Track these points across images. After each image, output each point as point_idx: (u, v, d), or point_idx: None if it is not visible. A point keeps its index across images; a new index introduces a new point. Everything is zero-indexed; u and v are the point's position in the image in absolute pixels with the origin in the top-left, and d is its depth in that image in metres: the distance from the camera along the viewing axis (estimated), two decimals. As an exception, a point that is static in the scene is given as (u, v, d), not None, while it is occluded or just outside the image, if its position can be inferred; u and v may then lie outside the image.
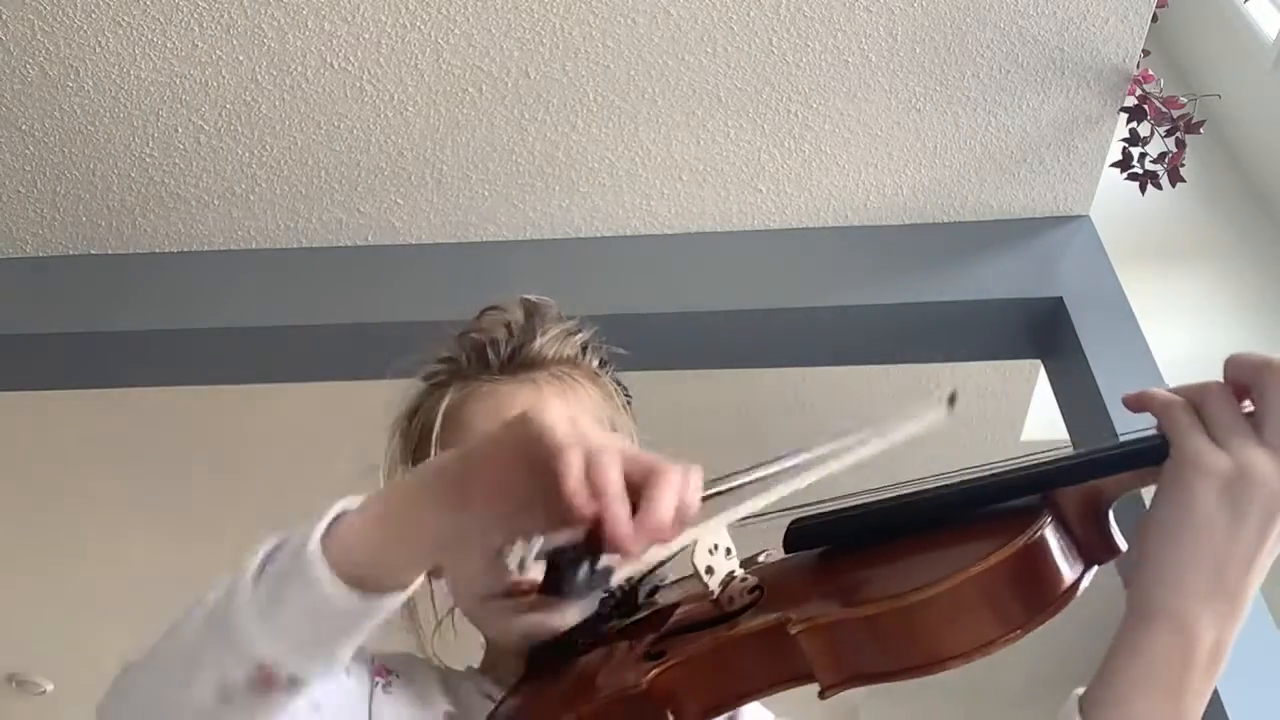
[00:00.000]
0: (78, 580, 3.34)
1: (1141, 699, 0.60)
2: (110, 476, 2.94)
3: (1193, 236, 2.55)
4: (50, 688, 3.90)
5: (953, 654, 0.58)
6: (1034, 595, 0.59)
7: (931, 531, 0.66)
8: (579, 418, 0.56)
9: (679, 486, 0.54)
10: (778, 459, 0.68)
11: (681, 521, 0.54)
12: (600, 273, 2.08)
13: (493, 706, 0.79)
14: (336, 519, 0.60)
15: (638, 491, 0.54)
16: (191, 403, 2.64)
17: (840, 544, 0.70)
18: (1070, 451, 0.66)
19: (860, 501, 0.71)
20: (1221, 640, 0.60)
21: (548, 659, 0.79)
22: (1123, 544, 0.65)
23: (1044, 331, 2.03)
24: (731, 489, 0.67)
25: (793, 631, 0.61)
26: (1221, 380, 0.64)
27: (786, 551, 0.73)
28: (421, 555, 0.60)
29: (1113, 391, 1.85)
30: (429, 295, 2.05)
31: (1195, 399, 0.63)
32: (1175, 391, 0.65)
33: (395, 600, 0.59)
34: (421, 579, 0.89)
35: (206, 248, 2.16)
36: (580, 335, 0.94)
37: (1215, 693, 1.52)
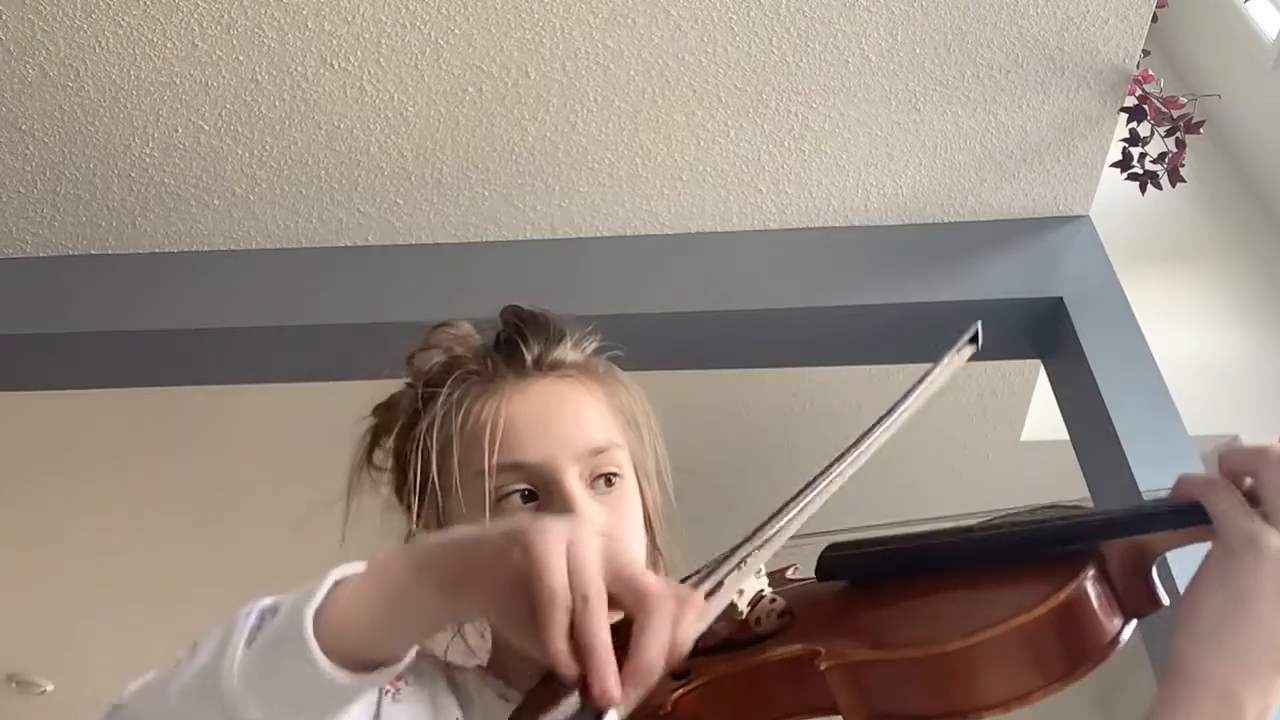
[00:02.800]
0: (78, 580, 3.34)
1: None
2: (111, 477, 2.94)
3: (1193, 236, 2.55)
4: (50, 688, 3.90)
5: (988, 704, 0.57)
6: (1075, 647, 0.58)
7: (971, 573, 0.64)
8: (583, 530, 0.55)
9: (669, 624, 0.52)
10: (821, 472, 0.68)
11: (674, 662, 0.53)
12: (600, 273, 2.08)
13: (512, 708, 0.79)
14: (334, 587, 0.59)
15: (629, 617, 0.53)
16: (192, 402, 2.64)
17: (874, 576, 0.69)
18: (1117, 506, 0.64)
19: (896, 534, 0.70)
20: (1267, 706, 0.60)
21: None
22: (1164, 598, 0.64)
23: (1044, 331, 2.03)
24: (773, 524, 0.65)
25: (821, 667, 0.60)
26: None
27: (819, 578, 0.71)
28: (417, 636, 0.61)
29: (1113, 391, 1.85)
30: (429, 295, 2.05)
31: (1257, 460, 0.63)
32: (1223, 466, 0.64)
33: (390, 673, 0.60)
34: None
35: (206, 248, 2.16)
36: (593, 340, 0.95)
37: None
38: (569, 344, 0.91)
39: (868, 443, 0.70)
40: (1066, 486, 1.97)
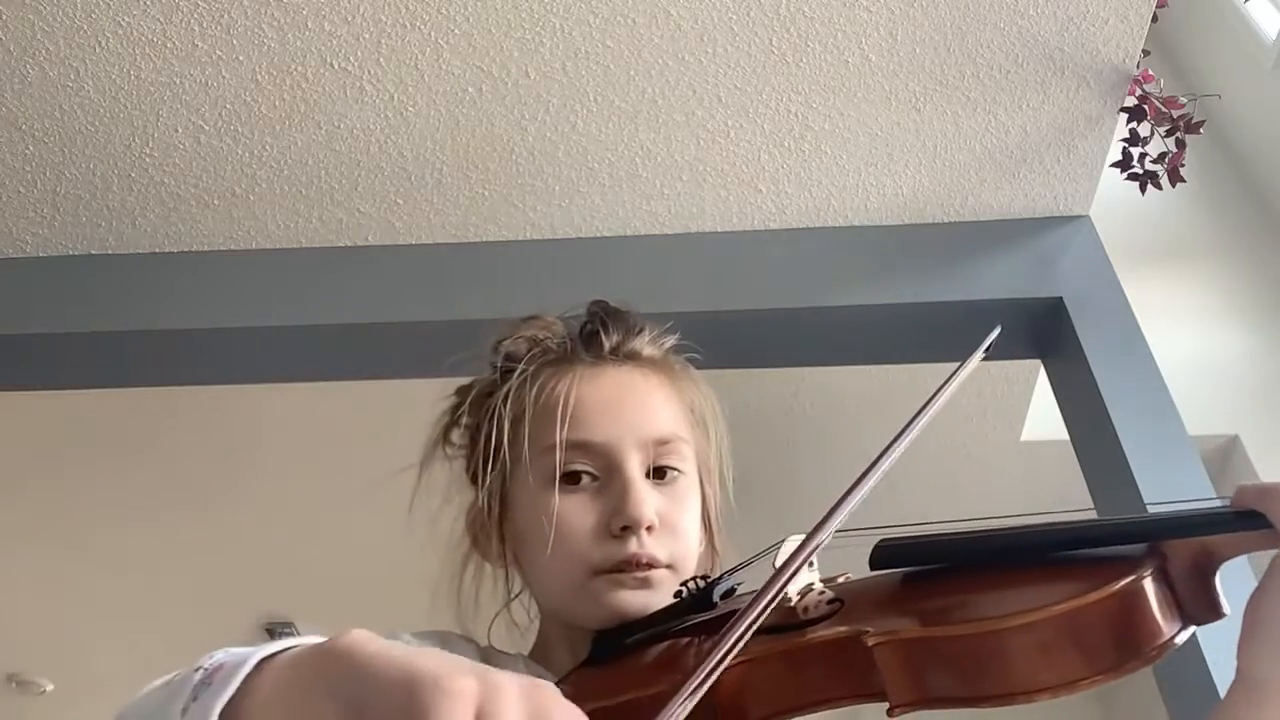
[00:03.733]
0: (78, 580, 3.34)
1: None
2: (111, 477, 2.94)
3: (1193, 236, 2.55)
4: (50, 688, 3.90)
5: (1035, 688, 0.56)
6: (1127, 641, 0.57)
7: (1029, 566, 0.64)
8: (503, 699, 0.45)
9: None
10: (865, 472, 0.67)
11: None
12: (600, 273, 2.08)
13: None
14: (261, 666, 0.57)
15: None
16: (192, 402, 2.64)
17: (929, 567, 0.69)
18: (1185, 508, 0.64)
19: (950, 532, 0.69)
20: None
21: (611, 647, 0.79)
22: (1226, 608, 0.63)
23: (1044, 331, 2.03)
24: (824, 522, 0.65)
25: (869, 644, 0.60)
26: None
27: (872, 568, 0.71)
28: None
29: (1113, 392, 1.85)
30: (429, 295, 2.05)
31: None
32: None
33: None
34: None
35: (206, 248, 2.16)
36: (670, 337, 0.98)
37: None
38: (646, 337, 0.94)
39: (895, 449, 0.69)
40: (1066, 486, 1.97)
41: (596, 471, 0.85)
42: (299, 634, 3.51)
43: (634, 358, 0.92)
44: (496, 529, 0.90)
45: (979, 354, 0.80)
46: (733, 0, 1.79)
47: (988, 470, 2.71)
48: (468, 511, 0.92)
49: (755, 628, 0.58)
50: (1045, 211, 2.09)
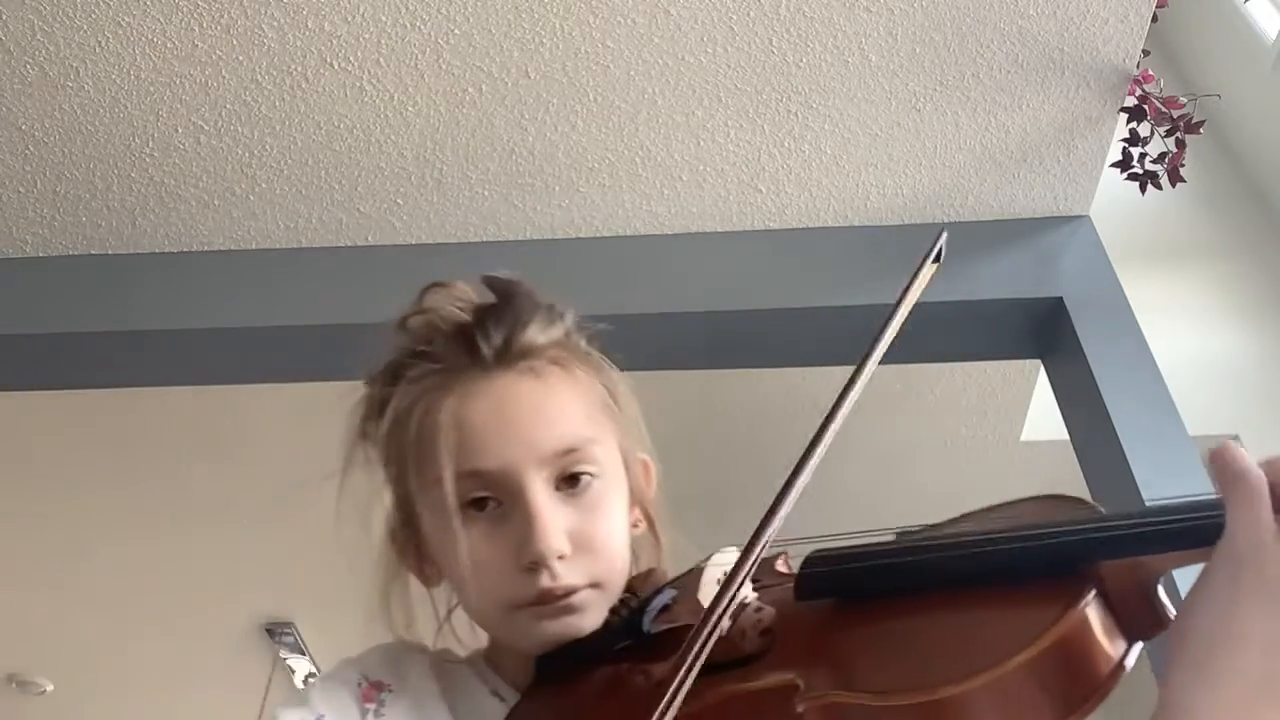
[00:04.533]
0: (78, 580, 3.34)
1: None
2: (110, 476, 2.94)
3: (1193, 236, 2.55)
4: (50, 688, 3.91)
5: None
6: (1078, 682, 0.53)
7: (962, 591, 0.59)
8: None
9: None
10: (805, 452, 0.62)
11: None
12: (600, 273, 2.08)
13: (504, 709, 0.77)
14: None
15: None
16: (191, 402, 2.64)
17: (857, 595, 0.64)
18: (1120, 513, 0.59)
19: (881, 545, 0.65)
20: None
21: (556, 669, 0.77)
22: (1172, 614, 0.58)
23: (1044, 331, 2.03)
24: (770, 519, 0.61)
25: (799, 709, 0.56)
26: None
27: (798, 599, 0.67)
28: None
29: (1113, 391, 1.85)
30: (429, 295, 2.05)
31: (1270, 473, 0.55)
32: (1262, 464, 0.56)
33: None
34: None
35: (206, 248, 2.16)
36: (567, 315, 0.88)
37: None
38: (535, 328, 0.83)
39: (848, 398, 0.65)
40: (1066, 487, 1.97)
41: (498, 497, 0.78)
42: (299, 634, 3.51)
43: (524, 356, 0.82)
44: (413, 548, 0.85)
45: (928, 263, 0.73)
46: (733, 0, 1.79)
47: (988, 470, 2.71)
48: (387, 522, 0.86)
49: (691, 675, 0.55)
50: (1045, 211, 2.09)
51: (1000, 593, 0.58)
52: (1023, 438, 2.62)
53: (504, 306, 0.85)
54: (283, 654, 3.69)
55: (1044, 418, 2.48)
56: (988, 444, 2.66)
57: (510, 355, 0.82)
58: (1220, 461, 0.57)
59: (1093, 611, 0.54)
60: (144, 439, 2.81)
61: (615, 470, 0.83)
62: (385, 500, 0.86)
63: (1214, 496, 0.57)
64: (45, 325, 2.10)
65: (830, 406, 0.66)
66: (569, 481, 0.79)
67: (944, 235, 0.73)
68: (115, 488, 2.97)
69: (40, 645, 3.71)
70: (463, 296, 0.87)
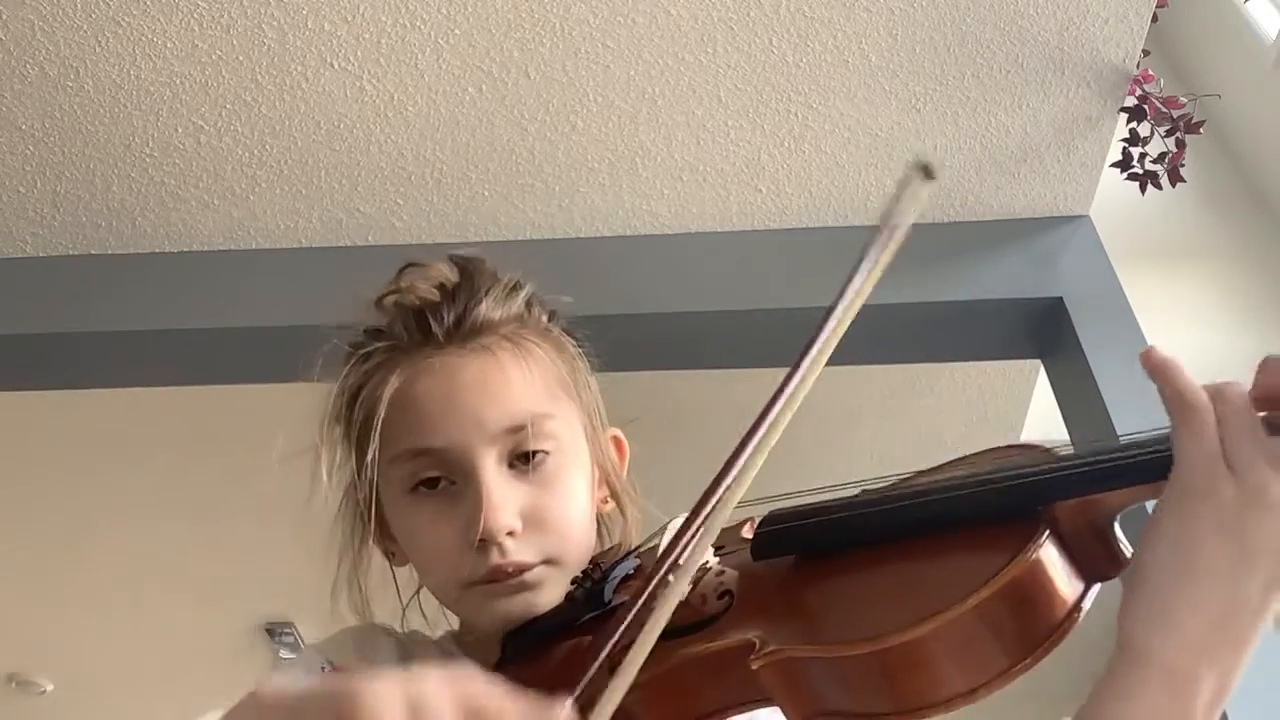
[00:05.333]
0: (78, 580, 3.34)
1: None
2: (111, 477, 2.94)
3: (1193, 236, 2.55)
4: (50, 688, 3.90)
5: (944, 697, 0.52)
6: (1032, 624, 0.53)
7: (917, 540, 0.59)
8: (422, 685, 0.45)
9: None
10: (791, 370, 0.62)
11: None
12: (600, 273, 2.08)
13: None
14: None
15: None
16: (192, 402, 2.64)
17: (812, 550, 0.64)
18: (1073, 454, 0.58)
19: (836, 500, 0.64)
20: (1223, 686, 0.54)
21: (521, 646, 0.76)
22: (1129, 553, 0.58)
23: (1044, 331, 2.03)
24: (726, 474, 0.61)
25: (754, 666, 0.56)
26: (1248, 384, 0.55)
27: (754, 557, 0.66)
28: None
29: (1113, 392, 1.85)
30: (429, 295, 2.05)
31: (1216, 402, 0.54)
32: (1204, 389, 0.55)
33: None
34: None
35: (206, 248, 2.16)
36: (525, 290, 0.88)
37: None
38: (487, 304, 0.83)
39: (827, 328, 0.65)
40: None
41: (450, 476, 0.78)
42: (299, 634, 3.50)
43: (477, 334, 0.81)
44: (378, 526, 0.84)
45: (917, 185, 0.69)
46: (733, 0, 1.79)
47: (988, 470, 2.70)
48: (351, 500, 0.86)
49: (633, 636, 0.55)
50: (1045, 211, 2.09)
51: (954, 540, 0.57)
52: (1023, 438, 2.62)
53: (461, 284, 0.85)
54: (283, 654, 3.69)
55: (1044, 418, 2.48)
56: (988, 444, 2.66)
57: (461, 333, 0.82)
58: (1168, 391, 0.56)
59: (1046, 552, 0.54)
60: (144, 439, 2.81)
61: (575, 447, 0.82)
62: (346, 479, 0.86)
63: (1163, 431, 0.56)
64: (45, 325, 2.10)
65: (795, 359, 0.67)
66: (522, 459, 0.79)
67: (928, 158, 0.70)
68: (115, 488, 2.97)
69: (40, 645, 3.71)
70: (436, 277, 0.87)
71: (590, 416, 0.86)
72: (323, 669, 0.78)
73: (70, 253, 2.17)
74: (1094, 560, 0.56)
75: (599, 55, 1.86)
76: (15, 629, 3.57)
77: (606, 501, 0.88)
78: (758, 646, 0.56)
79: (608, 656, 0.55)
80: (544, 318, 0.88)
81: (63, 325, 2.10)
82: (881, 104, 1.93)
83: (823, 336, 0.64)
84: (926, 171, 0.67)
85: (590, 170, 2.02)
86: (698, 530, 0.59)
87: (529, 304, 0.87)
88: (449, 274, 0.86)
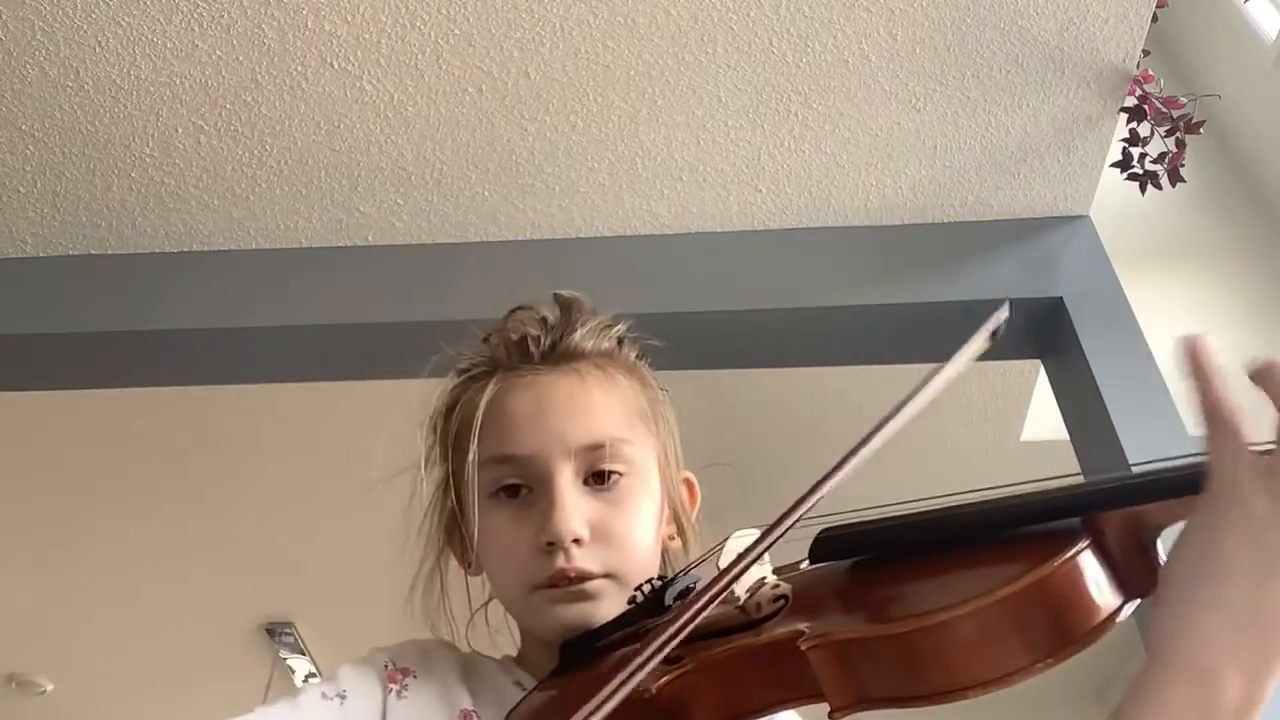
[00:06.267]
0: (78, 581, 3.34)
1: None
2: (111, 477, 2.94)
3: (1193, 236, 2.55)
4: (50, 688, 3.91)
5: (968, 684, 0.54)
6: (1064, 624, 0.55)
7: (963, 549, 0.62)
8: None
9: None
10: (834, 467, 0.64)
11: None
12: (600, 273, 2.08)
13: (523, 695, 0.79)
14: None
15: None
16: (192, 402, 2.64)
17: (868, 557, 0.67)
18: (1122, 473, 0.60)
19: (892, 515, 0.67)
20: (1253, 696, 0.54)
21: (578, 655, 0.79)
22: None
23: (1044, 331, 2.03)
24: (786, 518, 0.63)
25: (803, 647, 0.59)
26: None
27: (812, 562, 0.70)
28: None
29: (1113, 391, 1.85)
30: (429, 295, 2.05)
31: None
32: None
33: None
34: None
35: (206, 248, 2.16)
36: (617, 328, 0.94)
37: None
38: (581, 334, 0.90)
39: (877, 436, 0.67)
40: (1066, 486, 1.97)
41: (529, 484, 0.83)
42: (299, 634, 3.50)
43: (569, 359, 0.88)
44: (459, 534, 0.89)
45: (983, 336, 0.75)
46: (733, 0, 1.79)
47: (988, 470, 2.70)
48: (441, 514, 0.91)
49: (689, 630, 0.58)
50: (1045, 211, 2.09)
51: (999, 546, 0.60)
52: (1023, 438, 2.62)
53: (561, 316, 0.92)
54: (283, 654, 3.69)
55: (1044, 418, 2.48)
56: (988, 444, 2.66)
57: (555, 356, 0.89)
58: (1205, 402, 0.60)
59: (1085, 559, 0.56)
60: (144, 439, 2.81)
61: (647, 475, 0.87)
62: (433, 488, 0.92)
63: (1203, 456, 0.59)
64: (45, 325, 2.10)
65: (879, 422, 0.68)
66: (598, 477, 0.84)
67: (1005, 311, 0.76)
68: (115, 488, 2.97)
69: (40, 645, 3.71)
70: (540, 312, 0.93)
71: (666, 452, 0.91)
72: (386, 667, 0.82)
73: (70, 253, 2.17)
74: (1135, 575, 0.58)
75: (599, 55, 1.86)
76: (15, 629, 3.57)
77: (673, 538, 0.92)
78: (807, 633, 0.59)
79: (657, 653, 0.58)
80: (632, 355, 0.95)
81: (63, 325, 2.10)
82: (881, 104, 1.93)
83: (888, 427, 0.67)
84: (994, 336, 0.75)
85: (590, 170, 2.02)
86: (769, 545, 0.63)
87: (620, 341, 0.94)
88: (550, 310, 0.93)
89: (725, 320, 2.06)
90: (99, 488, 2.97)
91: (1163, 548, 0.60)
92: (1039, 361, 2.16)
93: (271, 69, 1.88)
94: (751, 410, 2.60)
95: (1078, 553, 0.56)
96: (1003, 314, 0.75)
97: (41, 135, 1.97)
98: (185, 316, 2.10)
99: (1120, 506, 0.59)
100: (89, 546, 3.20)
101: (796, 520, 0.63)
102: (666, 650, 0.58)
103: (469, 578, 0.91)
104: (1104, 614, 0.56)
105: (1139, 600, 0.58)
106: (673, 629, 0.58)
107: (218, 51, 1.85)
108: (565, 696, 0.74)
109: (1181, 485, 0.58)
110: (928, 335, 2.05)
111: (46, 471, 2.93)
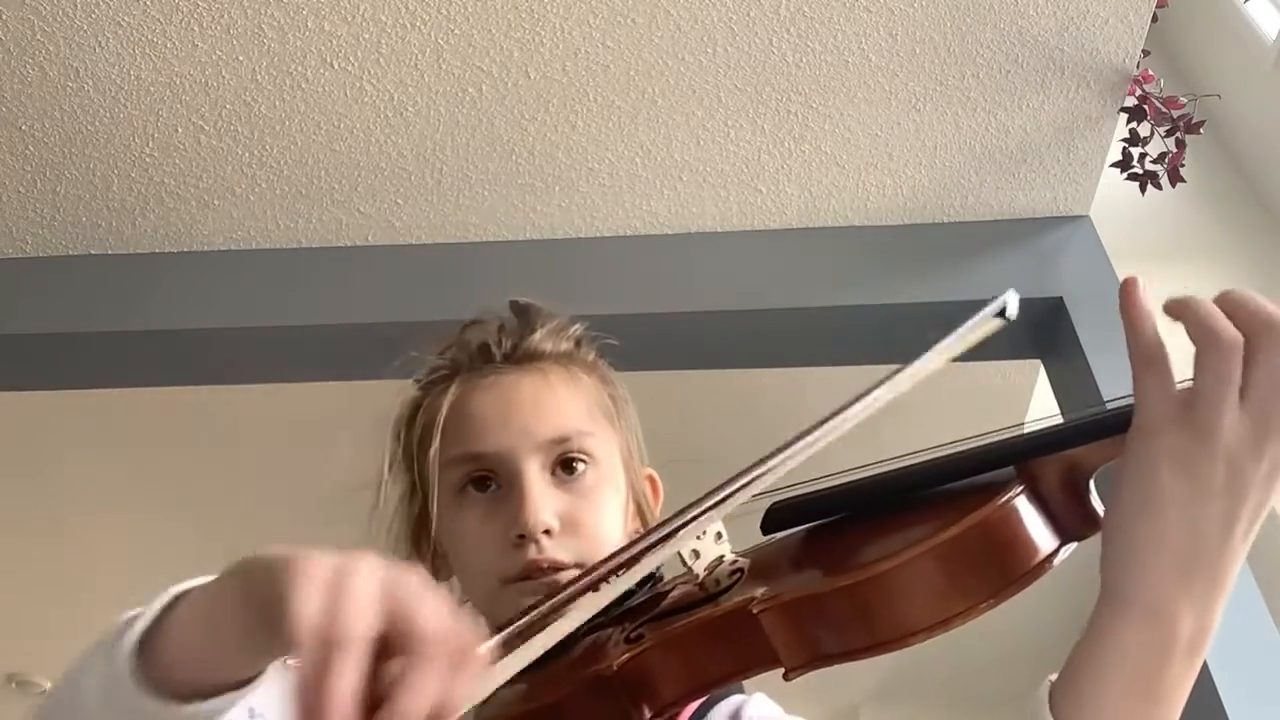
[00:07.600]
0: (78, 580, 3.34)
1: (1115, 692, 0.56)
2: (111, 477, 2.94)
3: (1192, 236, 2.55)
4: (50, 688, 3.91)
5: (915, 628, 0.56)
6: (997, 569, 0.57)
7: (909, 507, 0.64)
8: (357, 564, 0.48)
9: (438, 679, 0.45)
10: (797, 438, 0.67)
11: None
12: (600, 273, 2.08)
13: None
14: (173, 603, 0.60)
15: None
16: (192, 402, 2.64)
17: (819, 524, 0.70)
18: (1051, 421, 0.64)
19: (838, 482, 0.70)
20: (1203, 626, 0.56)
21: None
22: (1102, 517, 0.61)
23: (1044, 331, 2.03)
24: (740, 485, 0.66)
25: (755, 611, 0.60)
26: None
27: (764, 534, 0.72)
28: (245, 659, 0.57)
29: (1113, 391, 1.85)
30: (429, 295, 2.05)
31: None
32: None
33: (244, 693, 0.57)
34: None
35: (206, 248, 2.16)
36: (575, 329, 0.95)
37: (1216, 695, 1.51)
38: (540, 335, 0.91)
39: (846, 413, 0.70)
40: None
41: (498, 480, 0.85)
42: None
43: (531, 358, 0.90)
44: (426, 539, 0.90)
45: (988, 314, 0.78)
46: (733, 0, 1.79)
47: (988, 470, 2.71)
48: (407, 522, 0.92)
49: (627, 595, 0.61)
50: (1045, 211, 2.09)
51: (939, 499, 0.62)
52: (1023, 438, 2.62)
53: (519, 321, 0.93)
54: (283, 654, 3.68)
55: (1044, 418, 2.48)
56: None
57: (517, 356, 0.90)
58: (1134, 341, 0.63)
59: (1020, 503, 0.58)
60: (144, 439, 2.81)
61: (612, 468, 0.89)
62: (399, 493, 0.93)
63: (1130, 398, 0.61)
64: (45, 325, 2.10)
65: (838, 408, 0.70)
66: (564, 468, 0.85)
67: (1010, 298, 0.78)
68: (115, 488, 2.97)
69: (40, 645, 3.71)
70: (496, 320, 0.95)
71: (629, 448, 0.93)
72: None
73: (70, 253, 2.17)
74: (1070, 517, 0.60)
75: (599, 55, 1.86)
76: (15, 629, 3.57)
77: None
78: (758, 598, 0.61)
79: (568, 600, 0.61)
80: (590, 355, 0.96)
81: (63, 325, 2.10)
82: (881, 104, 1.93)
83: (859, 404, 0.70)
84: (1003, 314, 0.77)
85: (590, 170, 2.03)
86: (701, 511, 0.65)
87: (578, 341, 0.95)
88: (507, 316, 0.94)
89: (725, 320, 2.06)
90: (99, 487, 2.97)
91: (1096, 493, 0.62)
92: (1039, 361, 2.16)
93: (271, 69, 1.88)
94: (751, 410, 2.60)
95: (1011, 498, 0.58)
96: (1012, 297, 0.77)
97: (41, 135, 1.97)
98: (185, 316, 2.10)
99: (1051, 451, 0.61)
100: (90, 546, 3.20)
101: (759, 478, 0.66)
102: (615, 562, 0.62)
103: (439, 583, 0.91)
104: (1040, 556, 0.58)
105: (1075, 543, 0.60)
106: (633, 552, 0.61)
107: (218, 51, 1.85)
108: (533, 689, 0.74)
109: (1108, 425, 0.61)
110: (928, 335, 2.05)
111: (47, 471, 2.93)
